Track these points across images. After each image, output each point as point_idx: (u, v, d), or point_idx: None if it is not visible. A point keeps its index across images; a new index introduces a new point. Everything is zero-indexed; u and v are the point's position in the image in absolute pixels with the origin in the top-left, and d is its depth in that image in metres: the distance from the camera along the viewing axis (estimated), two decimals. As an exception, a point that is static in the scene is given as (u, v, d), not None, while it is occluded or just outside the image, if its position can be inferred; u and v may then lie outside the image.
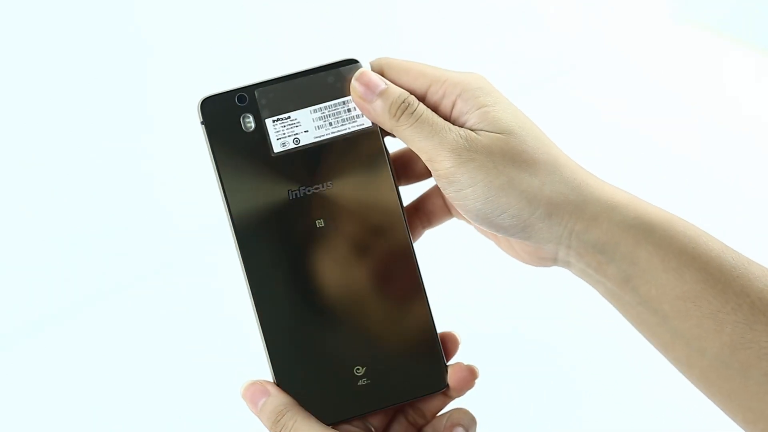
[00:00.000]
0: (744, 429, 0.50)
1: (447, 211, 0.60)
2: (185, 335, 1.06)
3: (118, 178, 1.26)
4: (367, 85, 0.54)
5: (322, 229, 0.55)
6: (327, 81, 0.55)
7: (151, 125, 1.35)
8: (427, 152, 0.52)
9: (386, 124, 0.53)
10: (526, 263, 0.56)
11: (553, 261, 0.53)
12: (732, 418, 0.51)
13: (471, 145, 0.51)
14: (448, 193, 0.52)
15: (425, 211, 0.60)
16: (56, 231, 1.19)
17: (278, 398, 0.54)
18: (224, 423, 0.97)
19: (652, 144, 1.36)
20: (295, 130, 0.55)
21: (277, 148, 0.55)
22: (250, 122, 0.55)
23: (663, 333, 0.50)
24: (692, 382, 0.51)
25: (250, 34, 1.49)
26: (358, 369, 0.56)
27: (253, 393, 0.55)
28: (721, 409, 0.51)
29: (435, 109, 0.54)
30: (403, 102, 0.53)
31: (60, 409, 0.99)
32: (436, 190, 0.60)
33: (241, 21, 1.50)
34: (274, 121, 0.55)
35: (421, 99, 0.54)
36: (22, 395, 1.01)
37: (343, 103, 0.55)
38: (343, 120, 0.55)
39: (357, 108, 0.55)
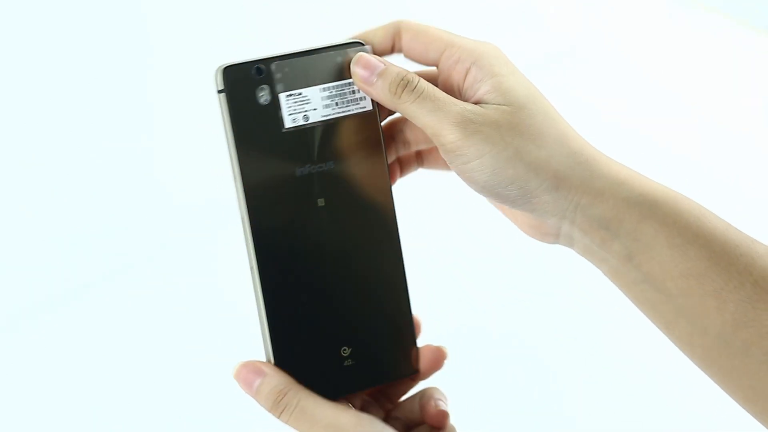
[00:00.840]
0: (744, 407, 0.51)
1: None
2: (178, 322, 1.06)
3: (107, 165, 1.26)
4: (367, 67, 0.54)
5: (322, 208, 0.55)
6: (336, 61, 0.55)
7: (150, 115, 1.35)
8: (431, 127, 0.52)
9: (389, 102, 0.53)
10: (530, 236, 0.56)
11: (556, 237, 0.54)
12: (732, 397, 0.51)
13: (477, 118, 0.51)
14: (455, 166, 0.52)
15: (421, 154, 0.60)
16: (51, 222, 1.18)
17: (277, 377, 0.54)
18: (219, 411, 0.97)
19: (652, 131, 1.36)
20: (305, 107, 0.55)
21: (287, 123, 0.55)
22: (265, 95, 0.55)
23: (666, 311, 0.50)
24: (694, 361, 0.52)
25: (252, 12, 1.49)
26: (345, 350, 0.56)
27: (247, 374, 0.54)
28: (722, 388, 0.51)
29: (449, 74, 0.54)
30: (403, 79, 0.53)
31: (53, 400, 0.99)
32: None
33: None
34: (287, 96, 0.55)
35: (435, 63, 0.54)
36: (14, 386, 1.00)
37: (349, 84, 0.56)
38: (347, 101, 0.56)
39: (359, 90, 0.55)
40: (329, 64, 0.55)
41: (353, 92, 0.56)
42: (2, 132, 1.30)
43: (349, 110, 0.56)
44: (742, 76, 1.47)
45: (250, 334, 1.00)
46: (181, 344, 1.04)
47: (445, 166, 0.57)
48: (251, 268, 0.55)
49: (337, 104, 0.55)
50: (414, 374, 0.57)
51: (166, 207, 1.21)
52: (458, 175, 0.53)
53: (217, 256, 1.13)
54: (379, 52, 0.56)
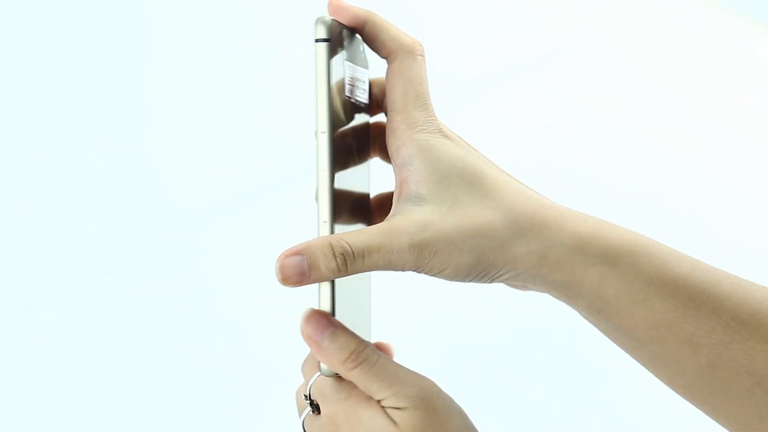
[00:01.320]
0: None
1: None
2: (174, 319, 1.06)
3: (105, 163, 1.26)
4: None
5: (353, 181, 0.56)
6: (359, 48, 0.56)
7: (150, 113, 1.34)
8: (390, 269, 0.51)
9: (339, 276, 0.51)
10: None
11: (524, 289, 0.54)
12: (721, 425, 0.51)
13: (428, 241, 0.50)
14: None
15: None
16: (48, 220, 1.18)
17: (349, 331, 0.52)
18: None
19: (649, 130, 1.35)
20: (351, 80, 0.56)
21: (346, 91, 0.55)
22: (340, 58, 0.55)
23: (642, 356, 0.51)
24: (677, 394, 0.52)
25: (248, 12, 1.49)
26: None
27: (319, 320, 0.52)
28: (710, 417, 0.52)
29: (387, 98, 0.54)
30: (337, 255, 0.50)
31: (49, 396, 0.98)
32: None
33: None
34: (349, 65, 0.55)
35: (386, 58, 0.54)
36: (10, 382, 1.00)
37: (364, 73, 0.56)
38: (361, 90, 0.56)
39: (365, 83, 0.55)
40: (359, 48, 0.56)
41: (363, 82, 0.56)
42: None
43: (360, 98, 0.56)
44: (740, 71, 1.46)
45: (246, 334, 1.00)
46: (176, 341, 1.04)
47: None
48: (322, 222, 0.53)
49: (357, 88, 0.56)
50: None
51: (163, 205, 1.21)
52: None
53: (213, 253, 1.14)
54: (372, 46, 0.55)
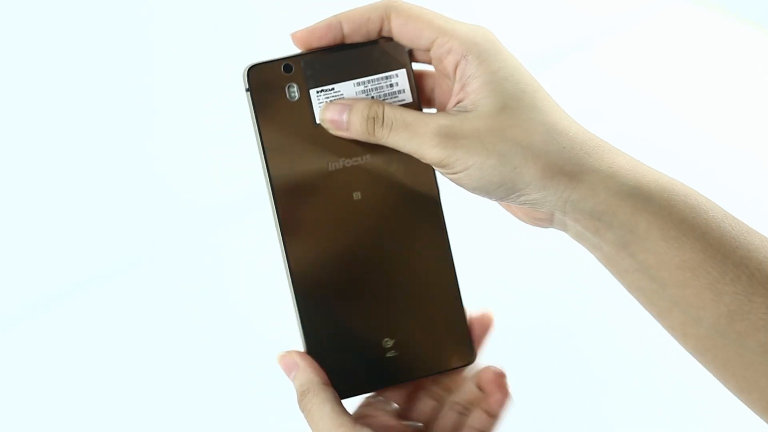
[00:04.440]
0: (737, 396, 0.51)
1: None
2: (179, 323, 1.06)
3: (109, 164, 1.26)
4: (334, 115, 0.55)
5: (358, 201, 0.56)
6: (372, 55, 0.56)
7: (155, 114, 1.34)
8: (414, 152, 0.53)
9: (369, 140, 0.55)
10: (523, 222, 0.56)
11: (549, 222, 0.54)
12: (725, 386, 0.51)
13: (456, 131, 0.51)
14: (443, 175, 0.53)
15: None
16: (50, 221, 1.18)
17: (304, 375, 0.54)
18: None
19: (650, 132, 1.35)
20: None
21: (319, 118, 0.56)
22: (294, 92, 0.56)
23: (660, 300, 0.51)
24: (687, 350, 0.52)
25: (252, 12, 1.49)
26: (387, 341, 0.57)
27: (285, 365, 0.56)
28: (715, 377, 0.51)
29: (440, 62, 0.54)
30: (369, 118, 0.54)
31: (50, 400, 0.98)
32: None
33: None
34: (318, 92, 0.56)
35: (427, 49, 0.55)
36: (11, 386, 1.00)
37: (387, 77, 0.56)
38: (385, 95, 0.56)
39: (399, 84, 0.56)
40: (364, 58, 0.56)
41: (390, 85, 0.56)
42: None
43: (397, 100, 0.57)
44: (742, 74, 1.46)
45: (250, 335, 0.99)
46: (180, 345, 1.03)
47: None
48: (283, 261, 0.56)
49: (373, 98, 0.56)
50: (470, 363, 0.57)
51: (168, 206, 1.21)
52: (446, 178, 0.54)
53: (218, 256, 1.14)
54: (365, 34, 0.56)
